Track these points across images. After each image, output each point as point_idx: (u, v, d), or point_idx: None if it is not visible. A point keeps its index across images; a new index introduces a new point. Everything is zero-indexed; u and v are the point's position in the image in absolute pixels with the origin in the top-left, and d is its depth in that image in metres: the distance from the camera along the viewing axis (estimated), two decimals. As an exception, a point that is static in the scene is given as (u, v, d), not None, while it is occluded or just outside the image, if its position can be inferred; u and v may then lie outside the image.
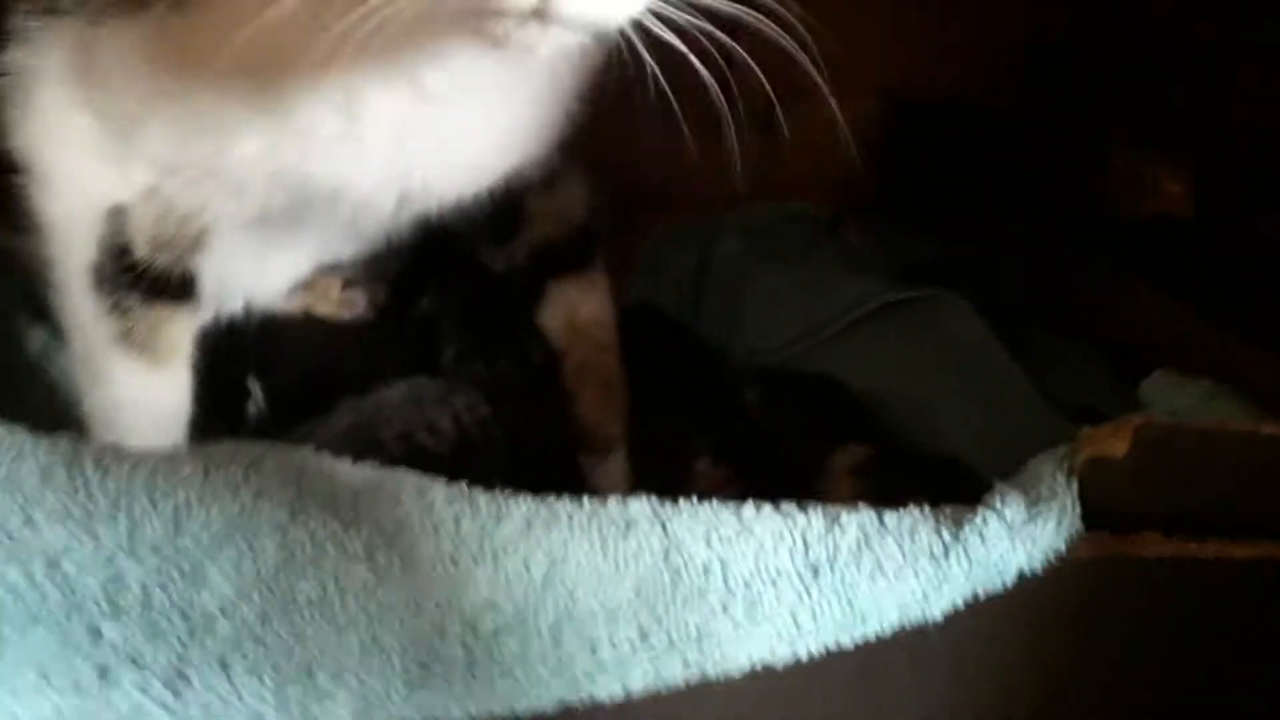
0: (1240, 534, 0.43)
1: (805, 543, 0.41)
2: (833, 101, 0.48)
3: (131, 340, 0.54)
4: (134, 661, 0.38)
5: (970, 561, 0.41)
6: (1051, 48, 0.81)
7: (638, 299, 0.74)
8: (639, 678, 0.40)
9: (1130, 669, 0.44)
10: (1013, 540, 0.41)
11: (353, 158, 0.51)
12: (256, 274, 0.63)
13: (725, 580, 0.41)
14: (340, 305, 0.73)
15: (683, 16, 0.40)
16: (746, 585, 0.40)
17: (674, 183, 0.65)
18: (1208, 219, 0.60)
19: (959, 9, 0.77)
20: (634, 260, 0.79)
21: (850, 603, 0.40)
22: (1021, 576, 0.41)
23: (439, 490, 0.43)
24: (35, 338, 0.65)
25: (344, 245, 0.63)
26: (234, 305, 0.65)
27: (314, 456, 0.43)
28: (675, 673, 0.40)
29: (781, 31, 0.44)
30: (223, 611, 0.39)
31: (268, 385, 0.68)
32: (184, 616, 0.39)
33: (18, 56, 0.53)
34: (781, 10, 0.43)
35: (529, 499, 0.44)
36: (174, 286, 0.54)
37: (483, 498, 0.43)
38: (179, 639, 0.39)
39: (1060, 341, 0.62)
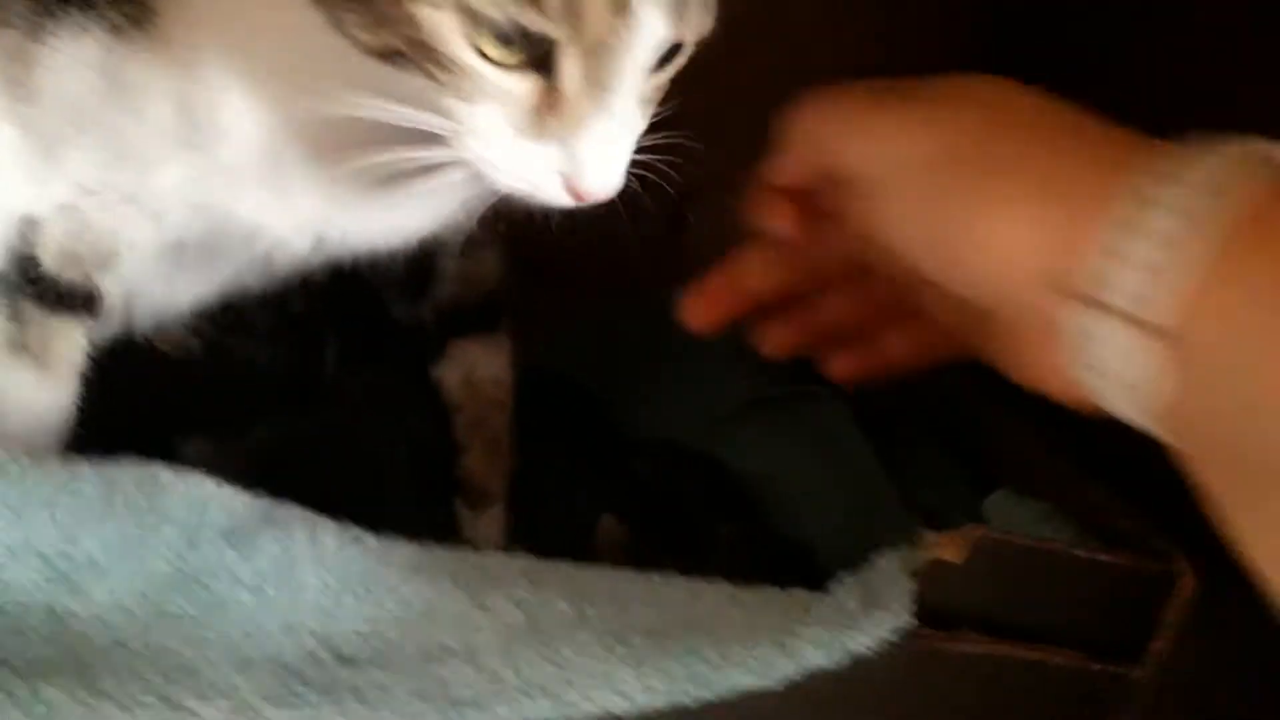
0: (1056, 642, 0.48)
1: (666, 609, 0.45)
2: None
3: (25, 348, 0.55)
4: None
5: (808, 643, 0.45)
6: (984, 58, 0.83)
7: (540, 362, 0.77)
8: (500, 716, 0.43)
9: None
10: (849, 628, 0.45)
11: (274, 202, 0.52)
12: (165, 295, 0.64)
13: (588, 638, 0.44)
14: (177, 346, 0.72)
15: None
16: (606, 643, 0.44)
17: (582, 259, 0.67)
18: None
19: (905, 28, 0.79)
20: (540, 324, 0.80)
21: (697, 669, 0.44)
22: (854, 657, 0.45)
23: (330, 528, 0.46)
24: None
25: (255, 278, 0.64)
26: (141, 324, 0.66)
27: (219, 489, 0.46)
28: (527, 717, 0.43)
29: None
30: (101, 621, 0.41)
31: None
32: (59, 621, 0.41)
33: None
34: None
35: (414, 545, 0.47)
36: (77, 301, 0.55)
37: (371, 539, 0.46)
38: (44, 640, 0.41)
39: (925, 446, 0.67)
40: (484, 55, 0.41)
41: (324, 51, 0.44)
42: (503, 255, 0.68)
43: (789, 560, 0.61)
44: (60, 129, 0.52)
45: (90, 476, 0.44)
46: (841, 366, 0.58)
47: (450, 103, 0.42)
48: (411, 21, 0.41)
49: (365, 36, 0.43)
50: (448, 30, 0.40)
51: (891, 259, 0.46)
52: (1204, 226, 0.35)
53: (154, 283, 0.61)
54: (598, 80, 0.41)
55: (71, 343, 0.56)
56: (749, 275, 0.54)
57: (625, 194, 0.46)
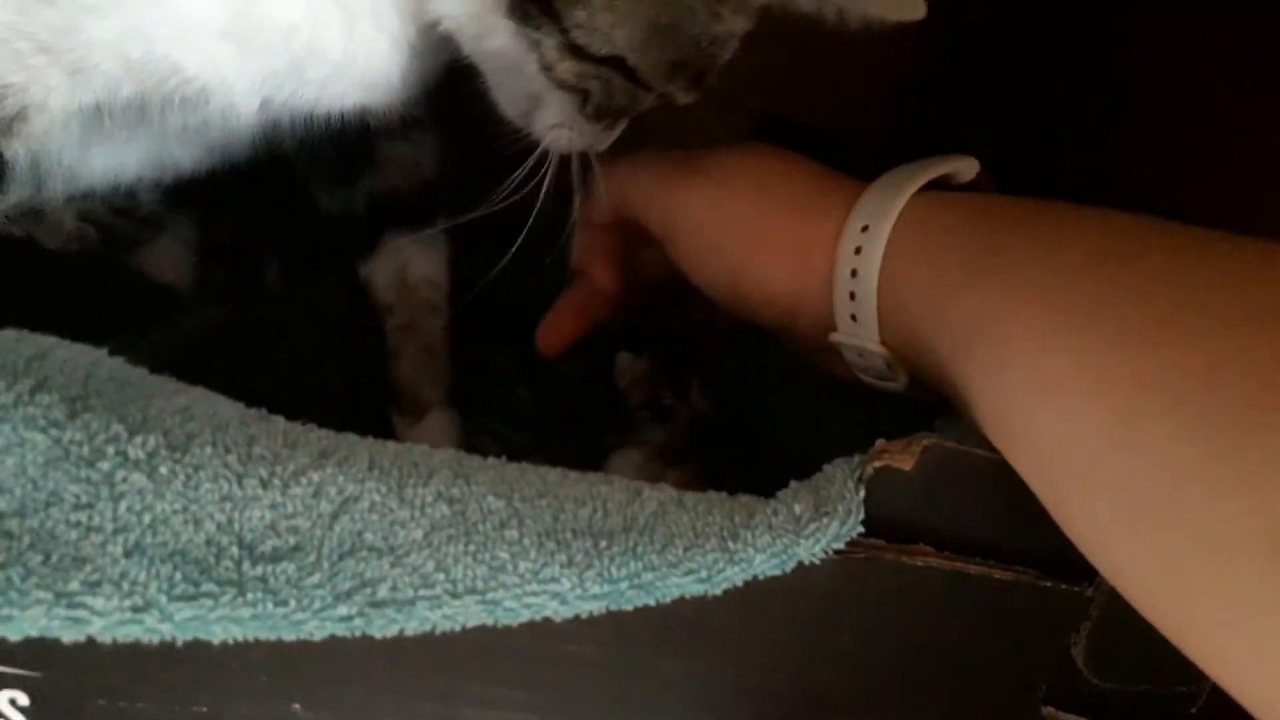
0: (1003, 558, 0.46)
1: (605, 510, 0.42)
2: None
3: None
4: None
5: (754, 549, 0.42)
6: (925, 86, 0.85)
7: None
8: (416, 622, 0.39)
9: (886, 662, 0.47)
10: (797, 534, 0.43)
11: (230, 57, 0.48)
12: (77, 166, 0.58)
13: (521, 536, 0.41)
14: (69, 239, 0.66)
15: None
16: (540, 544, 0.41)
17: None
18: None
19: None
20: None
21: (638, 572, 0.41)
22: (800, 566, 0.43)
23: (234, 409, 0.42)
24: None
25: (183, 151, 0.59)
26: (50, 193, 0.59)
27: (109, 358, 0.41)
28: (454, 620, 0.39)
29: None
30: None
31: None
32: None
33: None
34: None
35: (329, 432, 0.43)
36: None
37: (281, 422, 0.41)
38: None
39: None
40: None
41: None
42: (443, 144, 0.64)
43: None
44: None
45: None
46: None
47: (565, 111, 0.53)
48: (627, 92, 0.52)
49: (568, 78, 0.51)
50: (647, 99, 0.53)
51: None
52: (874, 260, 0.49)
53: (64, 151, 0.55)
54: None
55: None
56: (588, 308, 0.63)
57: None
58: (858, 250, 0.50)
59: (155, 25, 0.46)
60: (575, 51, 0.50)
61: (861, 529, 0.44)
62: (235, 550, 0.38)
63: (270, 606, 0.37)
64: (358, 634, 0.39)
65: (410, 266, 0.66)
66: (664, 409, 0.67)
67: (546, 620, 0.40)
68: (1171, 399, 0.35)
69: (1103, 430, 0.37)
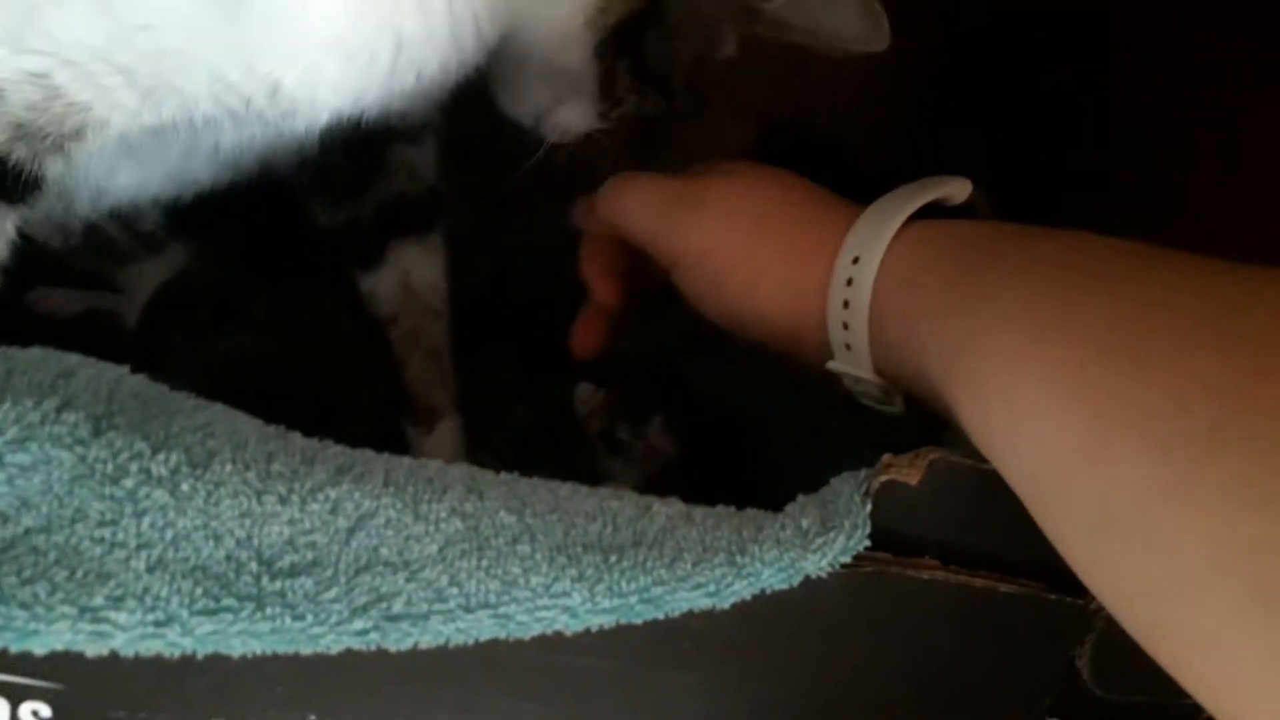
0: (1008, 571, 0.47)
1: (615, 525, 0.43)
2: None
3: None
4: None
5: (762, 563, 0.43)
6: (929, 93, 0.86)
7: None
8: (430, 636, 0.40)
9: (892, 674, 0.48)
10: (804, 548, 0.44)
11: (333, 72, 0.49)
12: (104, 183, 0.59)
13: (533, 551, 0.41)
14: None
15: None
16: (551, 558, 0.41)
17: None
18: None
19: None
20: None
21: (647, 586, 0.42)
22: (807, 580, 0.43)
23: (253, 426, 0.43)
24: None
25: (205, 168, 0.60)
26: (74, 212, 0.60)
27: (131, 375, 0.42)
28: (467, 634, 0.40)
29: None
30: (1, 517, 0.37)
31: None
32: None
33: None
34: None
35: (345, 448, 0.43)
36: (15, 185, 0.49)
37: (299, 439, 0.42)
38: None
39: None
40: None
41: None
42: (441, 149, 0.65)
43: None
44: None
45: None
46: None
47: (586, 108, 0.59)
48: (656, 104, 0.59)
49: (619, 88, 0.57)
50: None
51: None
52: (865, 291, 0.50)
53: (93, 168, 0.55)
54: None
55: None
56: (608, 314, 0.65)
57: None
58: (849, 281, 0.51)
59: (264, 43, 0.47)
60: (638, 73, 0.54)
61: (868, 543, 0.44)
62: (254, 565, 0.39)
63: (288, 621, 0.38)
64: (373, 647, 0.40)
65: (413, 272, 0.67)
66: (616, 442, 0.68)
67: (557, 634, 0.41)
68: (1140, 420, 0.36)
69: (1074, 451, 0.38)
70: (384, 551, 0.40)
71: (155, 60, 0.47)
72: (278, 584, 0.38)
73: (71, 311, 0.66)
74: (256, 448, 0.41)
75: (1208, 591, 0.33)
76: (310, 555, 0.39)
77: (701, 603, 0.42)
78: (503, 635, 0.41)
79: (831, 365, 0.53)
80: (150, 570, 0.37)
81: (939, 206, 0.54)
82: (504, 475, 0.45)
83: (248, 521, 0.39)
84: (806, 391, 0.64)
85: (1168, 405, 0.35)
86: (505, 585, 0.40)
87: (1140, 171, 0.68)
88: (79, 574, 0.37)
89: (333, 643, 0.39)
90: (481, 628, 0.40)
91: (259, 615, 0.38)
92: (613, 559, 0.42)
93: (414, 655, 0.41)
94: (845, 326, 0.51)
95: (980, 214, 0.56)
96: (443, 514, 0.42)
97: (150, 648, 0.38)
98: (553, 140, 0.58)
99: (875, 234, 0.51)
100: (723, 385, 0.69)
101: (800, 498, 0.46)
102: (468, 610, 0.40)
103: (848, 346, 0.52)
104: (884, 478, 0.45)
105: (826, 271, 0.52)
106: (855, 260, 0.51)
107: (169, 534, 0.38)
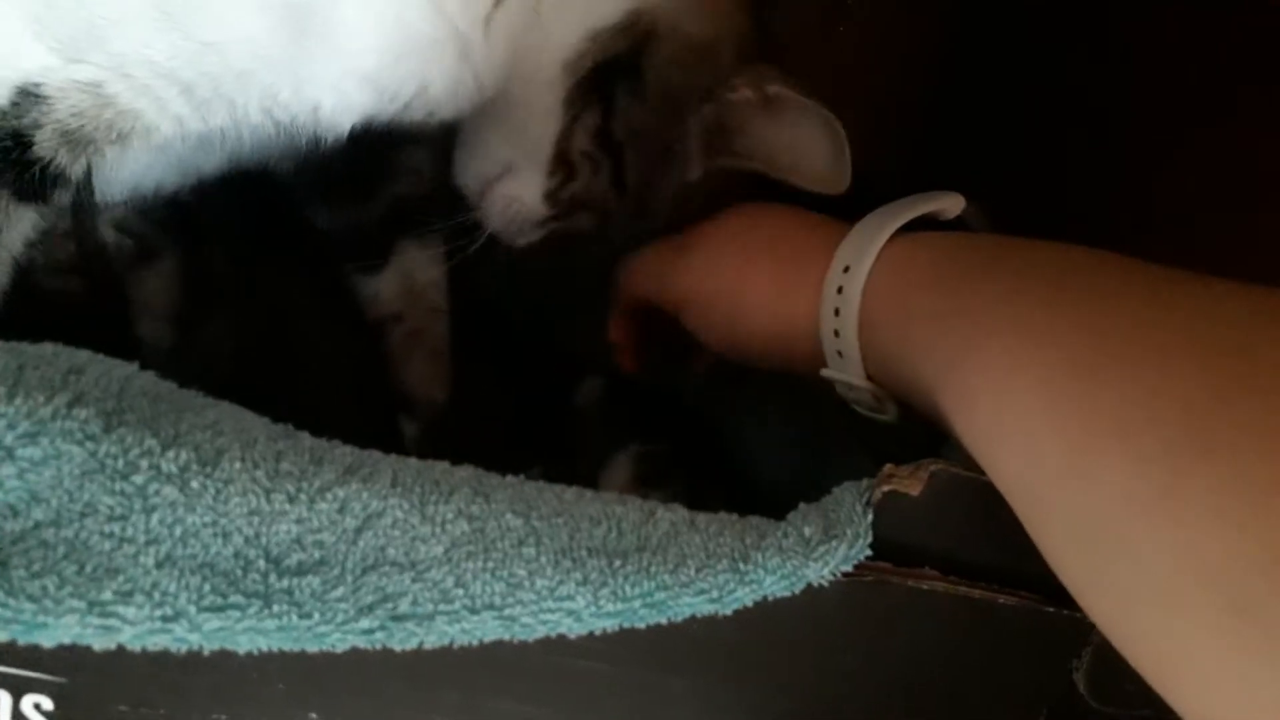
0: (1007, 582, 0.47)
1: (620, 529, 0.43)
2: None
3: None
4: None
5: (765, 570, 0.43)
6: (929, 114, 0.86)
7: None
8: (436, 636, 0.40)
9: (890, 683, 0.48)
10: (806, 557, 0.44)
11: (366, 98, 0.51)
12: (109, 174, 0.57)
13: (538, 554, 0.42)
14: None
15: None
16: (557, 561, 0.42)
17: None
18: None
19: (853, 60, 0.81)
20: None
21: (651, 591, 0.42)
22: (809, 588, 0.44)
23: (262, 424, 0.43)
24: None
25: (206, 162, 0.60)
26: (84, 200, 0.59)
27: (141, 373, 0.42)
28: (472, 635, 0.41)
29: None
30: (11, 510, 0.38)
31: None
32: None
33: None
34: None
35: (354, 448, 0.44)
36: (47, 188, 0.49)
37: (307, 439, 0.43)
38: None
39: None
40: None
41: None
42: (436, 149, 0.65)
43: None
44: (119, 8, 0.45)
45: (5, 353, 0.40)
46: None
47: (531, 185, 0.59)
48: (602, 190, 0.58)
49: (572, 150, 0.58)
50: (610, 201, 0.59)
51: None
52: (854, 298, 0.52)
53: (111, 163, 0.54)
54: None
55: (19, 232, 0.50)
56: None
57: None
58: (840, 290, 0.53)
59: (314, 71, 0.49)
60: (600, 135, 0.55)
61: (869, 552, 0.45)
62: (262, 563, 0.39)
63: (295, 619, 0.38)
64: (378, 647, 0.40)
65: (415, 272, 0.67)
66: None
67: (561, 637, 0.41)
68: (1118, 432, 0.37)
69: (1057, 462, 0.39)
70: (391, 551, 0.40)
71: (216, 78, 0.48)
72: (285, 582, 0.39)
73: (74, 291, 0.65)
74: (265, 446, 0.41)
75: (1184, 604, 0.34)
76: (318, 554, 0.40)
77: (704, 608, 0.43)
78: (507, 637, 0.41)
79: (825, 373, 0.55)
80: (159, 566, 0.38)
81: (933, 221, 0.55)
82: (510, 478, 0.45)
83: (256, 519, 0.39)
84: (803, 407, 0.65)
85: (1147, 418, 0.36)
86: (510, 587, 0.41)
87: (1141, 182, 0.69)
88: (88, 568, 0.37)
89: (338, 641, 0.39)
90: (486, 629, 0.40)
91: (266, 613, 0.38)
92: (617, 563, 0.42)
93: (415, 656, 0.41)
94: (836, 334, 0.53)
95: (974, 229, 0.57)
96: (449, 515, 0.42)
97: (157, 643, 0.38)
98: (492, 220, 0.60)
99: (866, 244, 0.53)
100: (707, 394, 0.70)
101: (802, 506, 0.47)
102: (473, 611, 0.40)
103: (839, 354, 0.53)
104: (885, 488, 0.45)
105: (818, 283, 0.54)
106: (846, 269, 0.53)
107: (178, 530, 0.38)
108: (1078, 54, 0.77)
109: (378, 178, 0.65)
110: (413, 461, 0.44)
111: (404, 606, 0.40)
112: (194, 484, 0.39)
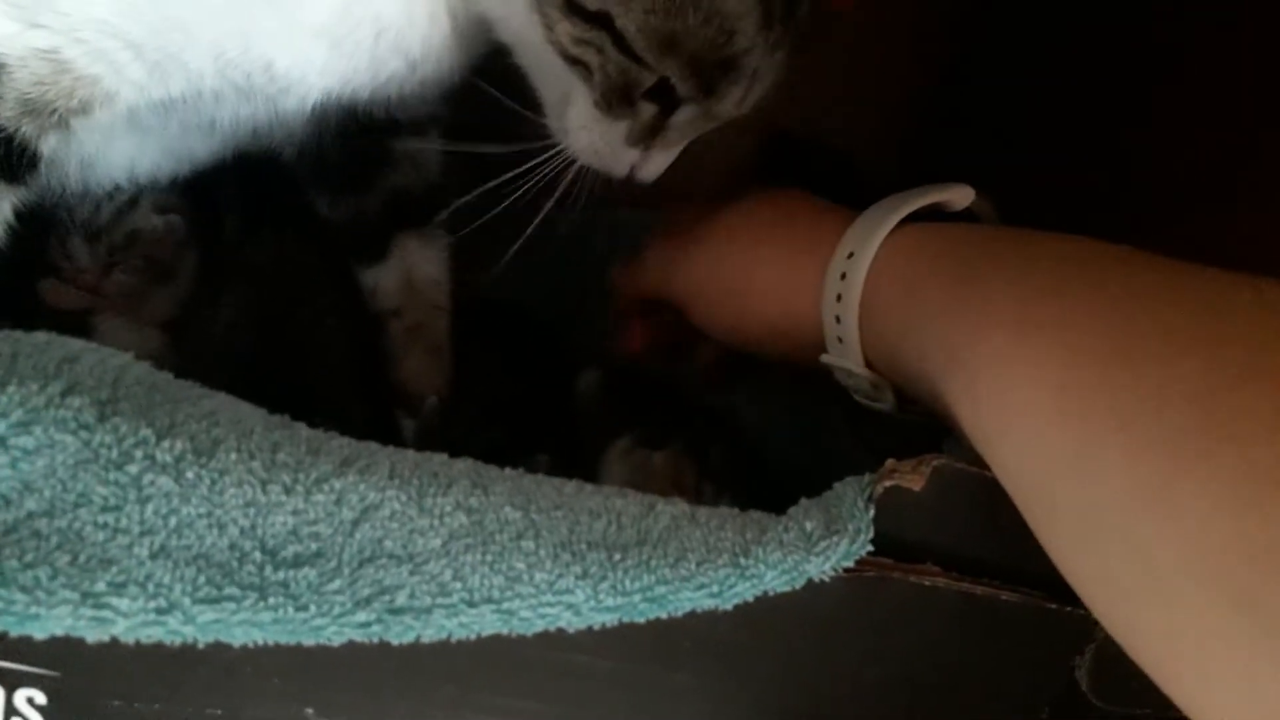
0: (1009, 579, 0.47)
1: (620, 523, 0.43)
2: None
3: None
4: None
5: (766, 565, 0.43)
6: (935, 101, 0.86)
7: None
8: (433, 630, 0.40)
9: (891, 679, 0.48)
10: (808, 551, 0.44)
11: (320, 55, 0.50)
12: (96, 158, 0.59)
13: (537, 547, 0.41)
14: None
15: None
16: (556, 555, 0.41)
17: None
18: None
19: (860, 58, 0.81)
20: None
21: (651, 585, 0.41)
22: (810, 583, 0.43)
23: (259, 415, 0.42)
24: None
25: (199, 145, 0.60)
26: (65, 184, 0.60)
27: (136, 362, 0.42)
28: (470, 629, 0.40)
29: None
30: (4, 500, 0.37)
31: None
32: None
33: None
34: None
35: (351, 440, 0.43)
36: (16, 163, 0.49)
37: (304, 430, 0.42)
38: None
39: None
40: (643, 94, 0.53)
41: None
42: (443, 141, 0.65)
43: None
44: None
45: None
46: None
47: (585, 103, 0.53)
48: (619, 65, 0.51)
49: (568, 45, 0.51)
50: (642, 80, 0.52)
51: None
52: (856, 285, 0.51)
53: (87, 144, 0.56)
54: (692, 128, 0.56)
55: None
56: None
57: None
58: (843, 276, 0.52)
59: (260, 25, 0.48)
60: (571, 8, 0.50)
61: (871, 547, 0.44)
62: (258, 555, 0.38)
63: (291, 611, 0.38)
64: (375, 640, 0.40)
65: (416, 267, 0.67)
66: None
67: (559, 631, 0.41)
68: (1122, 423, 0.36)
69: (1061, 454, 0.38)
70: (388, 544, 0.40)
71: (163, 34, 0.48)
72: (281, 574, 0.38)
73: (78, 305, 0.65)
74: (262, 437, 0.41)
75: (1184, 597, 0.34)
76: (314, 546, 0.39)
77: (704, 603, 0.42)
78: (505, 631, 0.41)
79: (825, 359, 0.54)
80: (153, 557, 0.37)
81: (941, 211, 0.54)
82: (508, 471, 0.45)
83: (252, 511, 0.39)
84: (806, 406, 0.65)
85: (1151, 411, 0.36)
86: (509, 581, 0.40)
87: (1147, 176, 0.69)
88: (81, 559, 0.37)
89: (335, 634, 0.39)
90: (484, 623, 0.40)
91: (262, 605, 0.38)
92: (617, 557, 0.42)
93: (412, 650, 0.41)
94: (837, 320, 0.53)
95: (982, 220, 0.56)
96: (448, 508, 0.41)
97: (151, 635, 0.37)
98: (591, 160, 0.56)
99: (870, 232, 0.52)
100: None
101: (803, 501, 0.46)
102: (471, 605, 0.40)
103: (840, 340, 0.53)
104: (888, 483, 0.45)
105: (822, 268, 0.54)
106: (850, 256, 0.52)
107: (173, 521, 0.38)
108: (1087, 47, 0.76)
109: (375, 167, 0.64)
110: (410, 454, 0.43)
111: (401, 599, 0.39)
112: (189, 474, 0.38)
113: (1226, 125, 0.65)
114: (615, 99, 0.53)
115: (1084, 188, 0.72)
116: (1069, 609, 0.46)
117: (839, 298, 0.52)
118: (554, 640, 0.41)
